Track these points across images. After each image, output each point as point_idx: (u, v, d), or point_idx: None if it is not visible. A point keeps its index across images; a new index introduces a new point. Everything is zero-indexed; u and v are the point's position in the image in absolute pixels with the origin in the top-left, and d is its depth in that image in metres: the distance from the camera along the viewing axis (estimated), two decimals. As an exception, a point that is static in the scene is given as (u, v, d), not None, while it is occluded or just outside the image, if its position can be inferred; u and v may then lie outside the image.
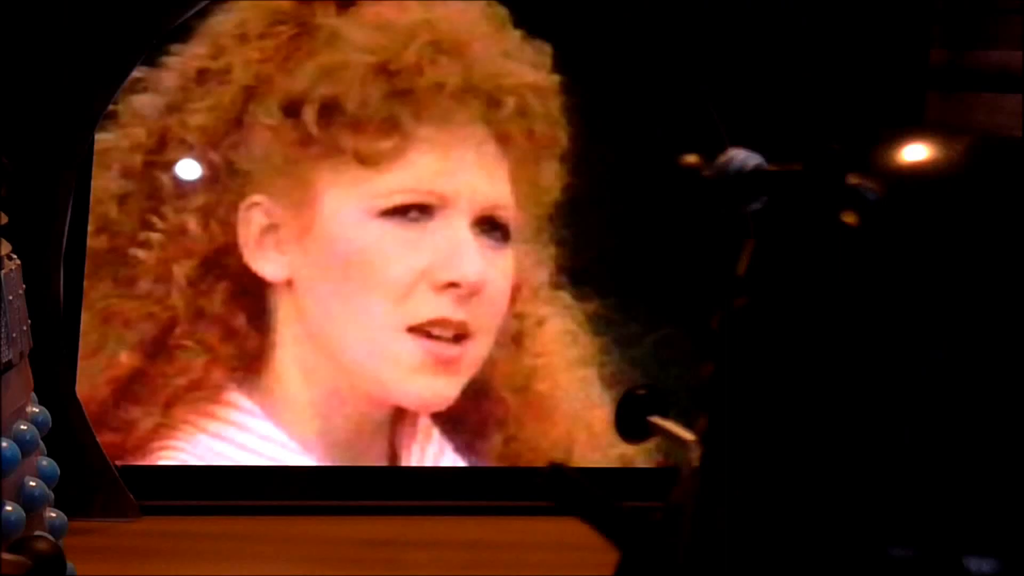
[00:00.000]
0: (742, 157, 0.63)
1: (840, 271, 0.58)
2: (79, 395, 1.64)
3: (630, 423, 0.84)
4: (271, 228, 1.70)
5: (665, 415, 0.84)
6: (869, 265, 0.57)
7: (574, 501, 0.73)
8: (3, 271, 0.88)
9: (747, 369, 0.61)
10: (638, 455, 1.72)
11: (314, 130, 1.70)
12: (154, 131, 1.69)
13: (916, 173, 0.60)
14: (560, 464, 0.75)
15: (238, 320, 1.70)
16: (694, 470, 0.64)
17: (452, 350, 1.70)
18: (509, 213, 1.74)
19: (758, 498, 0.59)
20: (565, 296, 1.77)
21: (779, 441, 0.59)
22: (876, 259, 0.57)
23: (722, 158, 0.63)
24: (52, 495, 0.93)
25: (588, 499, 0.72)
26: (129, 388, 1.69)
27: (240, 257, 1.70)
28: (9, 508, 0.85)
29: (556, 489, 0.74)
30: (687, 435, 0.82)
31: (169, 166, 1.70)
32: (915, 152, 0.60)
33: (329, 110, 1.70)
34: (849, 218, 0.57)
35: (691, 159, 0.64)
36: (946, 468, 0.57)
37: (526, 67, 1.75)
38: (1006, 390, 0.57)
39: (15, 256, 0.92)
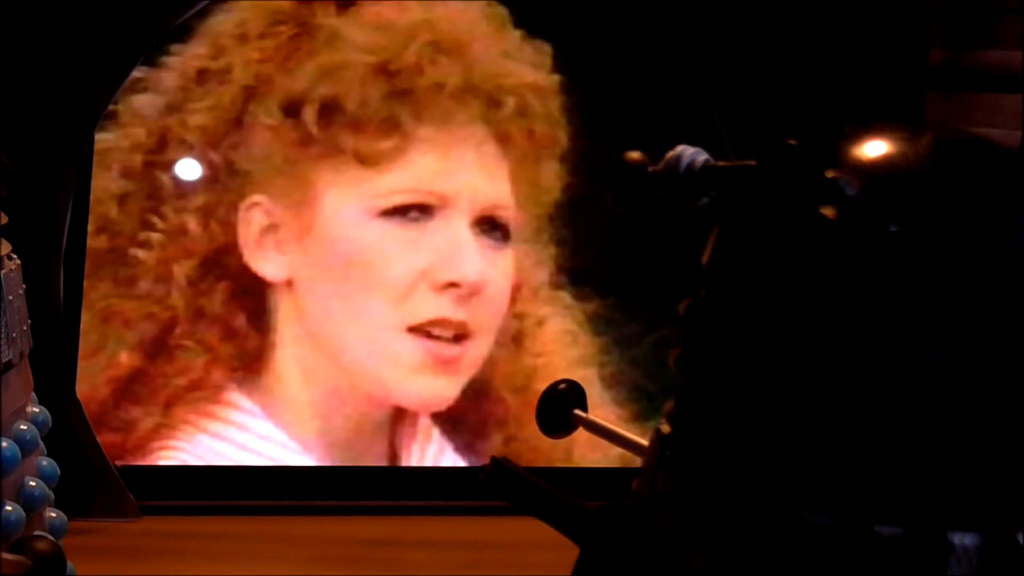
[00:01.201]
0: (691, 153, 0.64)
1: (809, 264, 0.59)
2: (79, 395, 1.64)
3: (553, 417, 0.86)
4: (271, 228, 1.70)
5: (585, 408, 0.85)
6: (840, 259, 0.58)
7: (519, 495, 0.73)
8: (3, 271, 0.88)
9: (714, 356, 0.62)
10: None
11: (314, 130, 1.70)
12: (154, 131, 1.69)
13: (887, 168, 0.60)
14: (503, 458, 0.76)
15: (238, 320, 1.70)
16: (660, 458, 0.64)
17: (452, 350, 1.71)
18: (509, 213, 1.74)
19: (729, 481, 0.60)
20: (565, 296, 1.77)
21: (746, 423, 0.60)
22: (847, 253, 0.58)
23: (671, 155, 0.64)
24: (52, 495, 0.92)
25: (533, 493, 0.73)
26: (129, 388, 1.69)
27: (240, 257, 1.70)
28: (9, 508, 0.85)
29: (501, 484, 0.75)
30: (611, 427, 0.83)
31: (169, 166, 1.70)
32: (883, 147, 0.61)
33: (329, 110, 1.70)
34: (828, 212, 0.58)
35: (635, 155, 0.65)
36: (918, 447, 0.57)
37: (526, 67, 1.75)
38: (937, 366, 0.57)
39: (15, 256, 0.92)
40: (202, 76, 1.70)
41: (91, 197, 1.67)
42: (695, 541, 0.61)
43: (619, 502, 0.68)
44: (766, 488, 0.58)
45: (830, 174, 0.59)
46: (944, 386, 0.57)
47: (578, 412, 0.86)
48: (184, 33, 1.69)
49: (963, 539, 0.57)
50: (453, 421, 1.73)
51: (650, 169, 0.65)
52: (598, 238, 1.77)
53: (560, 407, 0.86)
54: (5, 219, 0.92)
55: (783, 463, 0.58)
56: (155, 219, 1.69)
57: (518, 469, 0.76)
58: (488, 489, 0.76)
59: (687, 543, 0.61)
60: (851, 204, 0.58)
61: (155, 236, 1.69)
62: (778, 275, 0.59)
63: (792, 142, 0.63)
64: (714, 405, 0.61)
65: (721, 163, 0.63)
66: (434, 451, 1.73)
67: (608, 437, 0.83)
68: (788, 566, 0.58)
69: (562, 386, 0.86)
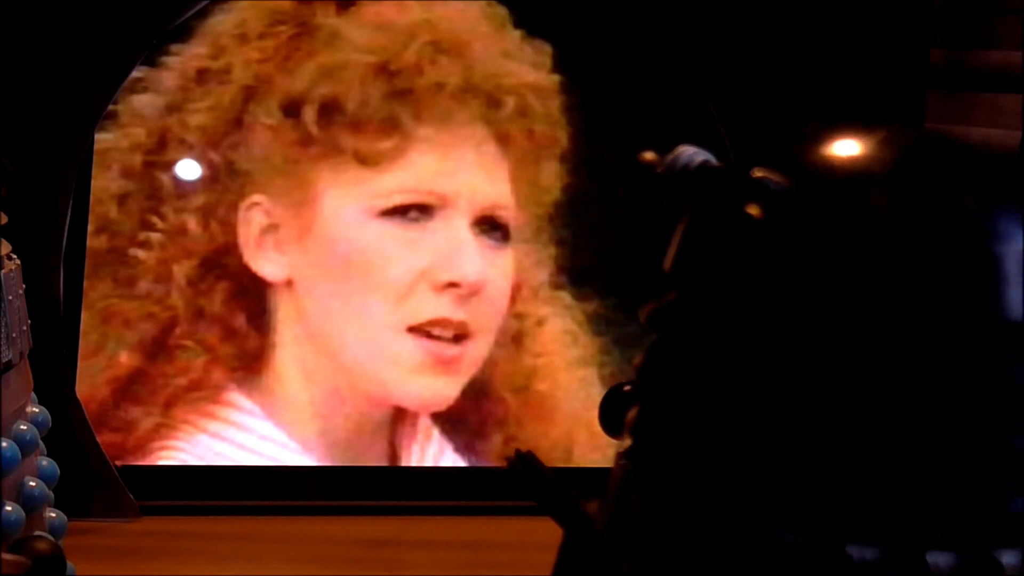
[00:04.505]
0: (689, 153, 0.64)
1: (750, 263, 0.58)
2: (79, 395, 1.64)
3: (616, 418, 0.85)
4: (271, 228, 1.70)
5: None
6: (775, 258, 0.58)
7: (535, 490, 0.74)
8: (3, 271, 0.88)
9: (676, 361, 0.61)
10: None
11: (314, 130, 1.70)
12: (154, 131, 1.69)
13: (817, 168, 0.60)
14: (528, 452, 0.76)
15: (238, 320, 1.70)
16: (626, 461, 0.64)
17: (452, 350, 1.70)
18: (509, 213, 1.74)
19: (688, 487, 0.59)
20: (565, 296, 1.77)
21: (706, 431, 0.59)
22: (782, 252, 0.58)
23: (670, 155, 0.64)
24: (52, 495, 0.93)
25: (549, 490, 0.73)
26: (129, 388, 1.69)
27: (240, 257, 1.70)
28: (9, 508, 0.85)
29: (520, 477, 0.75)
30: None
31: (169, 166, 1.70)
32: (832, 147, 0.61)
33: (329, 110, 1.70)
34: (753, 210, 0.58)
35: (648, 156, 0.65)
36: (860, 458, 0.57)
37: (526, 67, 1.75)
38: (906, 382, 0.57)
39: (15, 256, 0.92)
40: (202, 76, 1.70)
41: (91, 197, 1.67)
42: (651, 547, 0.61)
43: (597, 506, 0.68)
44: (732, 503, 0.58)
45: (757, 173, 0.59)
46: (917, 403, 0.56)
47: None
48: (184, 33, 1.69)
49: (939, 558, 0.57)
50: (453, 421, 1.73)
51: (658, 169, 0.65)
52: (598, 238, 1.77)
53: (623, 408, 0.86)
54: (5, 219, 0.92)
55: (749, 479, 0.58)
56: (155, 219, 1.69)
57: (540, 465, 0.76)
58: (510, 479, 0.77)
59: (644, 549, 0.61)
60: (775, 202, 0.58)
61: (155, 236, 1.69)
62: (730, 276, 0.59)
63: (761, 142, 0.63)
64: (676, 418, 0.60)
65: (718, 163, 0.63)
66: (434, 451, 1.73)
67: None
68: None
69: (627, 387, 0.86)
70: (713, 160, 0.63)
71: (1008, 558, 0.57)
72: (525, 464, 0.77)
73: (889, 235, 0.57)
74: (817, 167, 0.60)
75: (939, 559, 0.57)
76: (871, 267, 0.57)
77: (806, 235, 0.57)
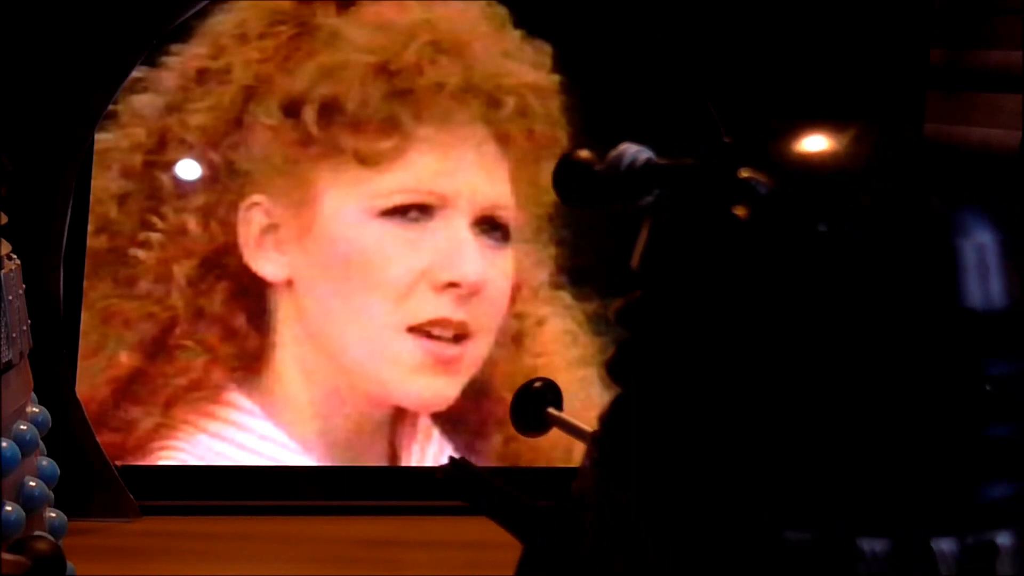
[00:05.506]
0: (633, 151, 0.63)
1: (730, 263, 0.58)
2: (79, 395, 1.64)
3: (526, 415, 0.85)
4: (271, 228, 1.70)
5: (560, 407, 0.84)
6: (758, 258, 0.58)
7: (476, 496, 0.74)
8: (3, 271, 0.88)
9: (646, 359, 0.61)
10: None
11: (314, 130, 1.70)
12: (154, 131, 1.70)
13: (802, 166, 0.60)
14: (462, 458, 0.76)
15: (238, 320, 1.70)
16: (592, 460, 0.64)
17: (452, 350, 1.71)
18: (509, 213, 1.74)
19: (657, 486, 0.59)
20: (565, 296, 1.77)
21: (676, 430, 0.59)
22: (764, 252, 0.58)
23: (613, 153, 0.64)
24: (52, 495, 0.93)
25: (489, 493, 0.73)
26: (129, 388, 1.69)
27: (240, 257, 1.70)
28: (9, 508, 0.85)
29: (458, 484, 0.75)
30: (583, 427, 0.82)
31: (169, 166, 1.70)
32: (802, 144, 0.61)
33: (329, 110, 1.70)
34: (739, 211, 0.58)
35: (583, 154, 0.65)
36: (839, 451, 0.57)
37: (526, 67, 1.75)
38: (893, 378, 0.57)
39: (15, 256, 0.92)
40: (202, 76, 1.70)
41: (91, 197, 1.67)
42: (616, 545, 0.61)
43: (560, 503, 0.68)
44: (715, 503, 0.58)
45: (743, 174, 0.59)
46: (891, 396, 0.56)
47: (551, 411, 0.86)
48: (184, 33, 1.69)
49: (942, 545, 0.57)
50: (453, 421, 1.73)
51: (595, 167, 0.64)
52: (598, 238, 1.77)
53: (533, 405, 0.85)
54: (5, 219, 0.92)
55: (729, 478, 0.57)
56: (155, 219, 1.69)
57: (476, 470, 0.76)
58: (446, 489, 0.76)
59: (609, 546, 0.61)
60: (761, 204, 0.58)
61: (155, 236, 1.69)
62: (700, 275, 0.59)
63: (727, 140, 0.63)
64: (644, 412, 0.60)
65: (663, 161, 0.63)
66: (434, 451, 1.73)
67: (581, 437, 0.83)
68: None
69: (537, 384, 0.86)
70: (656, 157, 0.63)
71: (1002, 539, 0.57)
72: (461, 471, 0.76)
73: (865, 231, 0.57)
74: (784, 164, 0.60)
75: (942, 545, 0.57)
76: (850, 261, 0.57)
77: (781, 231, 0.57)
